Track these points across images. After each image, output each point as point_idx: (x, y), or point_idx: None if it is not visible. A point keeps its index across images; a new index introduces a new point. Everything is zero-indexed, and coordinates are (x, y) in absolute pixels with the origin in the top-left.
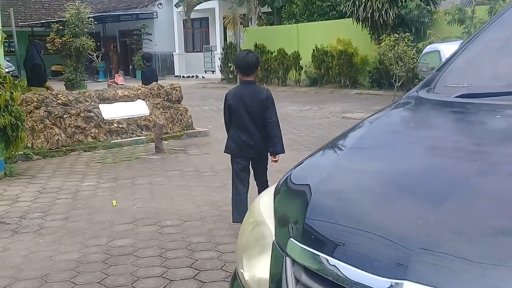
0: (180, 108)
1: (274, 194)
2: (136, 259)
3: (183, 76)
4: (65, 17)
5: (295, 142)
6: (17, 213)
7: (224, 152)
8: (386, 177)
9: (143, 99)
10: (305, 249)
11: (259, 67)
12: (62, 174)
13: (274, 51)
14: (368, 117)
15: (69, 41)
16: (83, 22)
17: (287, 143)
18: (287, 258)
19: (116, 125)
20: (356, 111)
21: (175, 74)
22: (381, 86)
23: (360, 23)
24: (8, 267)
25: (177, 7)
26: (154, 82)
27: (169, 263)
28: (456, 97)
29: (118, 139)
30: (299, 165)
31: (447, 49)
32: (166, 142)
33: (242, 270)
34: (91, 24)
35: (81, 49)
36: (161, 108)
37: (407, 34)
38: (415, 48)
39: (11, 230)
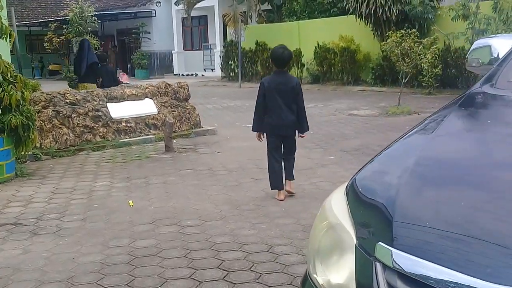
0: (187, 107)
1: (347, 195)
2: (162, 260)
3: (182, 75)
4: (64, 16)
5: (305, 140)
6: (33, 214)
7: (252, 130)
8: (480, 178)
9: (151, 98)
10: (402, 254)
11: (284, 63)
12: (74, 174)
13: None
14: (434, 114)
15: (72, 39)
16: (86, 20)
17: (297, 141)
18: (377, 263)
19: (124, 124)
20: (361, 108)
21: (174, 73)
22: (385, 82)
23: (363, 19)
24: (32, 269)
25: (176, 5)
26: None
27: (196, 264)
28: None
29: (126, 138)
30: (368, 164)
31: (498, 43)
32: (175, 141)
33: (315, 275)
34: (94, 23)
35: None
36: (169, 107)
37: (414, 30)
38: (421, 45)
39: (29, 232)
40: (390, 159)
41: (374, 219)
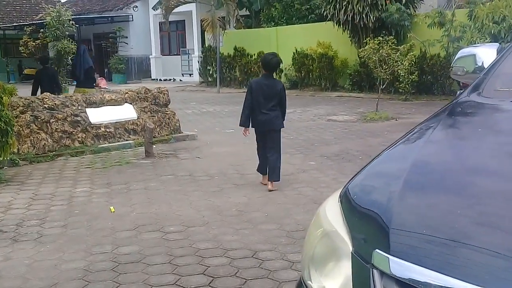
0: (167, 112)
1: (341, 203)
2: (146, 266)
3: (160, 79)
4: (40, 20)
5: (286, 146)
6: (13, 220)
7: (240, 125)
8: (474, 189)
9: (131, 103)
10: (399, 262)
11: (272, 68)
12: (53, 180)
13: (254, 54)
14: (424, 122)
15: (47, 44)
16: (63, 25)
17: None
18: (374, 270)
19: (103, 129)
20: (340, 113)
21: (152, 77)
22: (362, 88)
23: (341, 26)
24: (13, 277)
25: (154, 10)
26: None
27: (181, 270)
28: None
29: (105, 143)
30: (361, 172)
31: (483, 52)
32: (154, 146)
33: (310, 282)
34: (71, 27)
35: (62, 53)
36: (149, 112)
37: (391, 37)
38: (398, 52)
39: (10, 239)
40: (383, 167)
41: (370, 226)
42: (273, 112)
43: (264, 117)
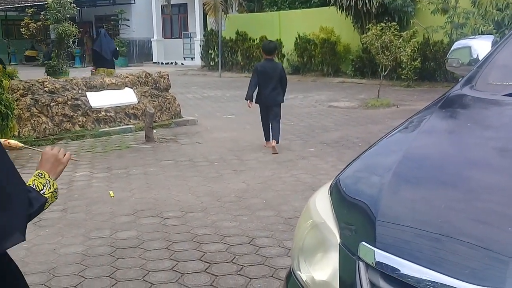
0: (168, 97)
1: (331, 194)
2: (143, 251)
3: (162, 63)
4: (42, 1)
5: (286, 132)
6: None
7: (245, 99)
8: (463, 182)
9: (131, 87)
10: (384, 254)
11: (271, 52)
12: None
13: (256, 39)
14: (416, 115)
15: (48, 26)
16: (65, 7)
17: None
18: (360, 262)
19: (104, 114)
20: (341, 99)
21: (154, 61)
22: (364, 74)
23: (344, 11)
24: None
25: None
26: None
27: (178, 256)
28: (504, 95)
29: (106, 127)
30: (352, 164)
31: (478, 44)
32: (155, 131)
33: (299, 272)
34: (73, 10)
35: (63, 35)
36: (149, 97)
37: (394, 23)
38: (401, 38)
39: None
40: (373, 159)
41: (358, 218)
42: (275, 90)
43: (268, 94)
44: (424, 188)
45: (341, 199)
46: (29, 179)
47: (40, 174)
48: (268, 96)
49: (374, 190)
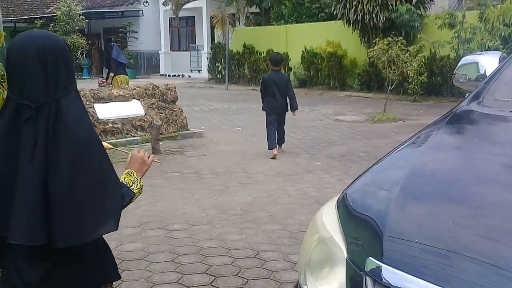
0: (175, 109)
1: (338, 209)
2: (149, 264)
3: (169, 75)
4: (51, 13)
5: (293, 145)
6: None
7: (262, 109)
8: (470, 198)
9: (138, 99)
10: (391, 270)
11: (278, 63)
12: None
13: (263, 52)
14: (423, 130)
15: None
16: (74, 19)
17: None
18: (367, 278)
19: (111, 125)
20: (348, 113)
21: (161, 73)
22: (371, 88)
23: (351, 25)
24: None
25: (164, 6)
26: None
27: (183, 268)
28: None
29: (113, 139)
30: (359, 178)
31: (485, 60)
32: (161, 143)
33: (306, 287)
34: (82, 22)
35: (72, 47)
36: (156, 109)
37: (400, 38)
38: (408, 52)
39: None
40: (381, 174)
41: (365, 233)
42: (283, 100)
43: (277, 103)
44: (431, 203)
45: (348, 214)
46: (121, 176)
47: (129, 173)
48: (276, 105)
49: (381, 205)
